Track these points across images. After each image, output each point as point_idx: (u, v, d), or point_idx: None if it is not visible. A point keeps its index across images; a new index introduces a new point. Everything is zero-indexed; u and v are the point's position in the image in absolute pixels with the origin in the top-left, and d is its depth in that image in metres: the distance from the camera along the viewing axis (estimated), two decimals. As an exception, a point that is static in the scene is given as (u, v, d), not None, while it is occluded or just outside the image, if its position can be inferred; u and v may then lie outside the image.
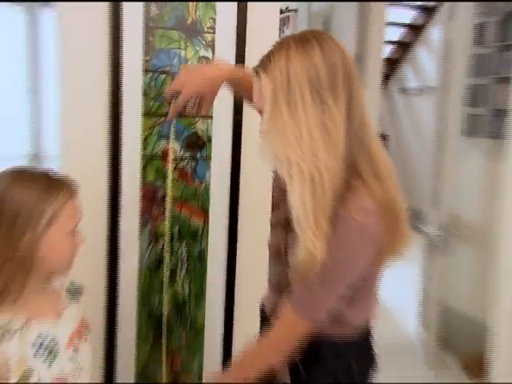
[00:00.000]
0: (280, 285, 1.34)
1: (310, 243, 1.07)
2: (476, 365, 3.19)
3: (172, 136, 1.52)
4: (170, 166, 1.64)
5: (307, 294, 1.14)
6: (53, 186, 1.13)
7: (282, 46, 1.14)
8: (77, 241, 1.19)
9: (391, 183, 1.16)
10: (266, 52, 1.17)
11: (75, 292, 1.30)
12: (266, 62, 1.15)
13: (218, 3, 1.86)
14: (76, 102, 1.76)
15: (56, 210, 1.11)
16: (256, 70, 1.17)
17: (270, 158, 1.16)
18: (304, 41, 1.13)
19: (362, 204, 1.11)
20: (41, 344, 1.11)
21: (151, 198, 1.89)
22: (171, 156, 1.59)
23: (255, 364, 1.28)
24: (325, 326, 1.24)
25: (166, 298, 1.69)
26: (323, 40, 1.13)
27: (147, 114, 1.82)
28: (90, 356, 1.26)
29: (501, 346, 2.63)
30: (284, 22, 4.42)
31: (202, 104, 1.41)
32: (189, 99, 1.36)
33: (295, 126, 1.09)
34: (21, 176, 1.13)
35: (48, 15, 5.87)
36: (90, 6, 1.71)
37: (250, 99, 1.49)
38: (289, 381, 1.29)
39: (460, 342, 3.46)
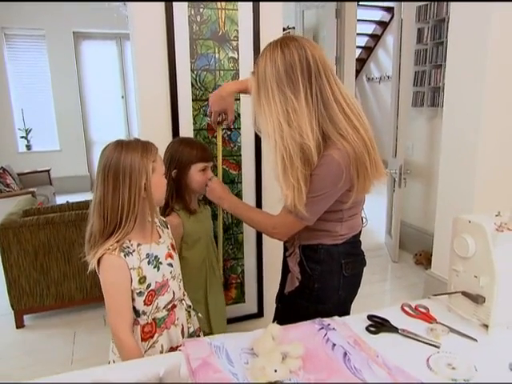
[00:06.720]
0: None
1: (284, 192, 1.05)
2: (423, 259, 3.20)
3: (219, 139, 1.55)
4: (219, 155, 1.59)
5: (303, 207, 1.06)
6: (146, 148, 1.09)
7: (263, 51, 1.07)
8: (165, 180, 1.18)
9: (355, 140, 1.03)
10: None
11: (163, 224, 1.26)
12: (255, 64, 1.09)
13: (239, 20, 1.74)
14: (148, 98, 1.72)
15: (153, 161, 1.09)
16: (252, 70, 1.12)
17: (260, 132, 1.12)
18: (273, 47, 1.04)
19: (335, 147, 1.03)
20: (149, 259, 1.10)
21: (202, 157, 1.81)
22: (220, 145, 1.57)
23: (257, 222, 1.27)
24: (323, 238, 1.17)
25: (220, 224, 1.64)
26: (285, 44, 1.03)
27: (194, 99, 1.75)
28: (179, 268, 1.24)
29: (439, 247, 2.62)
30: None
31: (228, 115, 1.44)
32: (217, 115, 1.42)
33: (270, 112, 1.04)
34: (127, 146, 1.08)
35: (128, 46, 5.81)
36: (152, 33, 1.67)
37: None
38: (300, 276, 1.20)
39: (413, 245, 3.43)
